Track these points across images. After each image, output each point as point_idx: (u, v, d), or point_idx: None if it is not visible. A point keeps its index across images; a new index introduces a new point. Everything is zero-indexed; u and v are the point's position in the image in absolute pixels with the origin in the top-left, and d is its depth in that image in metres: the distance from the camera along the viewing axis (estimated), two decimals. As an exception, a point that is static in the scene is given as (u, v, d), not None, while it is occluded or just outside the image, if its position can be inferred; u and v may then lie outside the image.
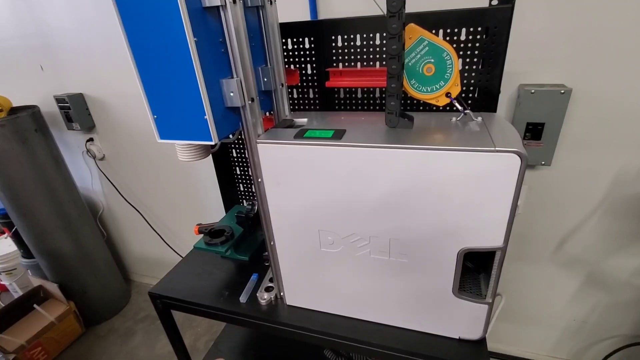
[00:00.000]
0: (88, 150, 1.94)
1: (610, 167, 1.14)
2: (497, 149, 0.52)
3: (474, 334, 0.71)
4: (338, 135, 0.62)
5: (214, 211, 1.84)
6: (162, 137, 0.66)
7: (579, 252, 1.32)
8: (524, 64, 1.08)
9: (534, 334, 1.57)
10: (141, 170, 1.93)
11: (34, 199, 1.70)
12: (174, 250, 2.11)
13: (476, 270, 0.74)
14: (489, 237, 0.59)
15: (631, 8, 0.93)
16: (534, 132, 1.11)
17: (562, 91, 1.03)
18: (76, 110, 1.78)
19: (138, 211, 2.05)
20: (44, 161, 1.70)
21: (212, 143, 0.62)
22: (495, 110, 0.81)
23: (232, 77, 0.62)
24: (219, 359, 1.19)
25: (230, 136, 0.81)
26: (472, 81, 0.81)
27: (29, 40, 1.71)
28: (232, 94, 0.62)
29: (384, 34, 0.83)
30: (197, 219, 1.92)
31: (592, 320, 1.44)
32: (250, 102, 0.64)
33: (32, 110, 1.65)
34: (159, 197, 2.00)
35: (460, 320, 0.71)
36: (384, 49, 0.84)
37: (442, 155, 0.55)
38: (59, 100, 1.76)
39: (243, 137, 0.68)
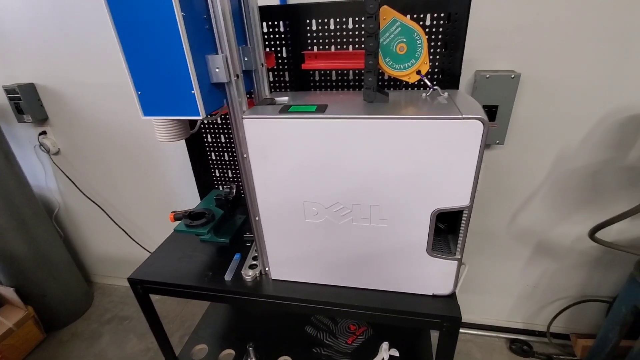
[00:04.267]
0: (41, 144, 1.82)
1: (553, 144, 1.28)
2: (463, 116, 0.59)
3: (445, 289, 0.79)
4: (321, 109, 0.67)
5: (183, 203, 1.81)
6: (146, 114, 0.66)
7: (529, 223, 1.47)
8: (480, 51, 1.19)
9: (493, 301, 1.72)
10: (101, 164, 1.85)
11: (-18, 198, 1.58)
12: (141, 246, 2.04)
13: (445, 232, 0.82)
14: (458, 197, 0.67)
15: (571, 3, 1.06)
16: (489, 114, 1.22)
17: (512, 76, 1.15)
18: (27, 101, 1.66)
19: (100, 207, 1.96)
20: (-7, 156, 1.58)
21: (200, 118, 0.64)
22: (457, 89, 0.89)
23: (218, 54, 0.64)
24: (199, 345, 1.19)
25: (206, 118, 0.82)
26: (437, 63, 0.88)
27: (-30, 26, 1.57)
28: (217, 70, 0.64)
29: (356, 19, 0.88)
30: (164, 212, 1.88)
31: (542, 284, 1.61)
32: (235, 78, 0.66)
33: (-22, 101, 1.52)
34: (121, 192, 1.92)
35: (434, 277, 0.78)
36: (357, 32, 0.89)
37: (418, 123, 0.61)
38: (8, 90, 1.63)
39: (228, 113, 0.70)
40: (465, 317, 1.79)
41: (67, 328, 2.03)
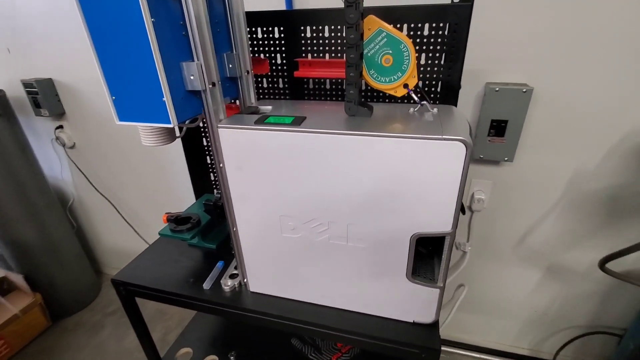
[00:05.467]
0: (57, 138, 1.89)
1: (568, 165, 1.20)
2: (444, 137, 0.54)
3: (426, 318, 0.74)
4: (297, 121, 0.64)
5: (187, 201, 1.82)
6: (121, 119, 0.65)
7: (539, 246, 1.38)
8: (491, 62, 1.12)
9: (498, 324, 1.63)
10: (113, 159, 1.89)
11: (-3, 186, 1.64)
12: (147, 242, 2.07)
13: (430, 256, 0.77)
14: (439, 223, 0.62)
15: (592, 12, 0.97)
16: (497, 129, 1.16)
17: (524, 90, 1.08)
18: (45, 96, 1.72)
19: (109, 201, 2.01)
20: (8, 147, 1.64)
21: (171, 126, 0.62)
22: (455, 104, 0.84)
23: (193, 61, 0.63)
24: (185, 348, 1.18)
25: (187, 122, 0.81)
26: (434, 75, 0.83)
27: (-6, 21, 1.65)
28: (192, 78, 0.62)
29: (351, 26, 0.84)
30: (171, 209, 1.90)
31: (552, 311, 1.51)
32: (211, 86, 0.64)
33: (-3, 94, 1.59)
34: (131, 188, 1.96)
35: (414, 304, 0.73)
36: (351, 41, 0.86)
37: (394, 142, 0.57)
38: (26, 85, 1.70)
39: (204, 122, 0.68)
40: (467, 339, 1.71)
41: (73, 317, 2.09)
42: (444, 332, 1.73)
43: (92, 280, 2.21)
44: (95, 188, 2.00)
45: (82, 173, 1.98)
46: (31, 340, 1.88)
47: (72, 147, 1.94)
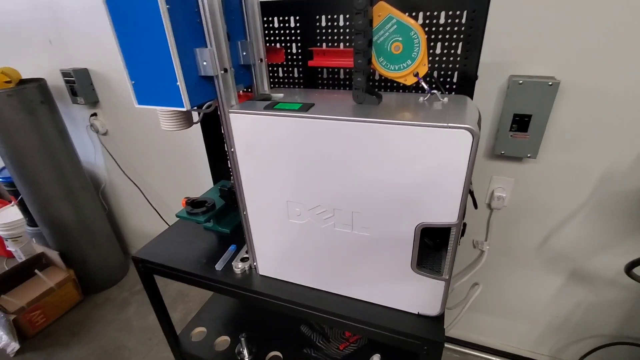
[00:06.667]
0: (92, 125, 2.00)
1: (597, 164, 1.13)
2: (449, 125, 0.53)
3: (432, 310, 0.73)
4: (305, 108, 0.64)
5: (208, 187, 1.88)
6: (139, 103, 0.69)
7: (564, 248, 1.32)
8: (516, 54, 1.08)
9: (517, 328, 1.58)
10: (142, 146, 1.99)
11: (38, 168, 1.77)
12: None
13: (439, 249, 0.76)
14: (444, 213, 0.61)
15: (626, 2, 0.91)
16: (520, 123, 1.11)
17: (550, 83, 1.03)
18: (81, 85, 1.83)
19: (137, 186, 2.11)
20: (48, 132, 1.76)
21: (184, 109, 0.65)
22: (472, 95, 0.82)
23: (206, 47, 0.65)
24: (200, 327, 1.24)
25: (203, 107, 0.84)
26: (450, 65, 0.81)
27: (39, 14, 1.76)
28: (205, 63, 0.65)
29: (367, 15, 0.84)
30: (193, 194, 1.97)
31: (575, 318, 1.44)
32: (222, 72, 0.66)
33: (39, 83, 1.71)
34: (158, 174, 2.05)
35: (419, 295, 0.73)
36: (366, 30, 0.85)
37: (396, 129, 0.56)
38: (64, 74, 1.81)
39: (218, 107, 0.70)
40: (484, 340, 1.67)
41: (103, 293, 2.22)
42: (459, 332, 1.70)
43: (121, 260, 2.34)
44: (125, 173, 2.11)
45: (113, 158, 2.10)
46: (64, 312, 2.02)
47: (105, 133, 2.05)
